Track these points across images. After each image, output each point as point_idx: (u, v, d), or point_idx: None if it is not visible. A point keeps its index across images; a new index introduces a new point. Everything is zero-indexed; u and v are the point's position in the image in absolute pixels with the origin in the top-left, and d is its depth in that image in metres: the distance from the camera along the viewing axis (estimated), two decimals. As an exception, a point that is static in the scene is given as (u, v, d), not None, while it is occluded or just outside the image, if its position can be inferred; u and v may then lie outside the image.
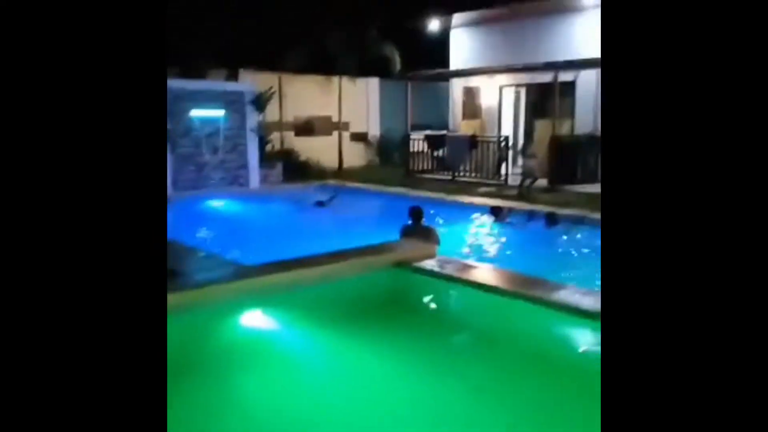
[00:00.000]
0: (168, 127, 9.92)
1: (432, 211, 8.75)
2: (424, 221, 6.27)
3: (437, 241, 5.61)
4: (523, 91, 13.76)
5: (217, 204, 9.89)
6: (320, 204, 9.47)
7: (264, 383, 3.26)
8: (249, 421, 2.84)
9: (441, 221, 8.11)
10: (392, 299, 4.43)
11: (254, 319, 3.92)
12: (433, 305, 4.54)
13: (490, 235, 7.68)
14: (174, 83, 9.99)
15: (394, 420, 2.87)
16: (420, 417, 2.90)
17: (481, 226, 8.10)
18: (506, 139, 11.98)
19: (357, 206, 9.66)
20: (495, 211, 8.27)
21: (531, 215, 8.21)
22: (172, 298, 3.54)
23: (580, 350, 3.47)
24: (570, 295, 3.72)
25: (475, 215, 8.53)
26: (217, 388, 3.12)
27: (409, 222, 6.22)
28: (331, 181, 11.98)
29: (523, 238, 7.63)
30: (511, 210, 8.39)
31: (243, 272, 4.24)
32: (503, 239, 7.41)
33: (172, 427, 2.60)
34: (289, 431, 2.74)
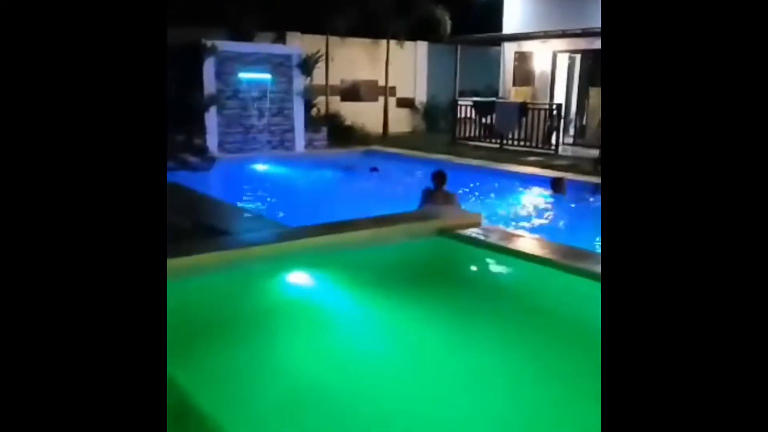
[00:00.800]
0: (215, 88, 10.02)
1: (476, 183, 8.60)
2: (447, 186, 6.18)
3: (457, 207, 5.68)
4: (578, 58, 13.19)
5: (264, 167, 9.98)
6: (374, 170, 9.40)
7: (302, 345, 3.28)
8: (288, 381, 2.87)
9: (492, 194, 7.93)
10: (435, 266, 4.37)
11: (296, 280, 3.95)
12: (475, 274, 4.46)
13: (543, 207, 7.41)
14: (222, 45, 10.03)
15: (429, 386, 2.85)
16: (457, 385, 2.86)
17: (536, 197, 7.82)
18: (558, 107, 11.56)
19: (407, 173, 9.52)
20: (555, 184, 7.59)
21: (595, 189, 7.35)
22: (215, 257, 3.60)
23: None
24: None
25: (527, 186, 8.26)
26: (257, 348, 3.16)
27: (432, 186, 6.17)
28: (376, 147, 11.89)
29: (580, 211, 7.32)
30: (567, 182, 7.70)
31: (287, 234, 4.26)
32: (557, 212, 7.18)
33: (212, 385, 2.66)
34: (327, 392, 2.75)
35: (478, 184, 8.52)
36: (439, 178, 6.22)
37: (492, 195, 7.87)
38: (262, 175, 9.64)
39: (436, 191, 6.14)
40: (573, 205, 7.35)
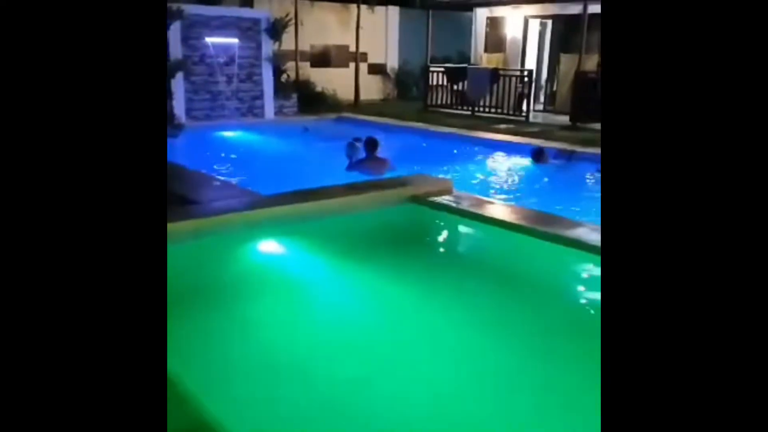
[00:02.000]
0: (182, 53, 9.72)
1: (456, 151, 8.60)
2: (379, 152, 6.50)
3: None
4: (549, 23, 13.17)
5: (233, 134, 9.79)
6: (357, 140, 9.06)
7: (275, 312, 3.30)
8: (260, 349, 2.89)
9: (469, 163, 7.93)
10: (407, 233, 4.41)
11: (268, 248, 3.93)
12: (447, 240, 4.52)
13: (521, 176, 7.44)
14: (188, 9, 9.69)
15: (402, 352, 2.91)
16: (428, 349, 2.93)
17: (514, 165, 7.85)
18: (530, 73, 11.57)
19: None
20: (537, 155, 7.53)
21: (570, 155, 7.58)
22: (187, 225, 3.55)
23: (592, 286, 3.45)
24: (587, 233, 3.65)
25: (502, 154, 8.28)
26: (229, 317, 3.16)
27: (364, 153, 6.50)
28: (347, 114, 11.77)
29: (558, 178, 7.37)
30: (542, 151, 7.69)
31: (258, 202, 4.22)
32: (535, 181, 7.26)
33: (183, 352, 2.66)
34: (300, 360, 2.78)
35: (455, 152, 8.54)
36: (371, 144, 6.51)
37: (469, 164, 7.90)
38: (231, 142, 9.47)
39: (369, 157, 6.43)
40: (544, 176, 7.45)
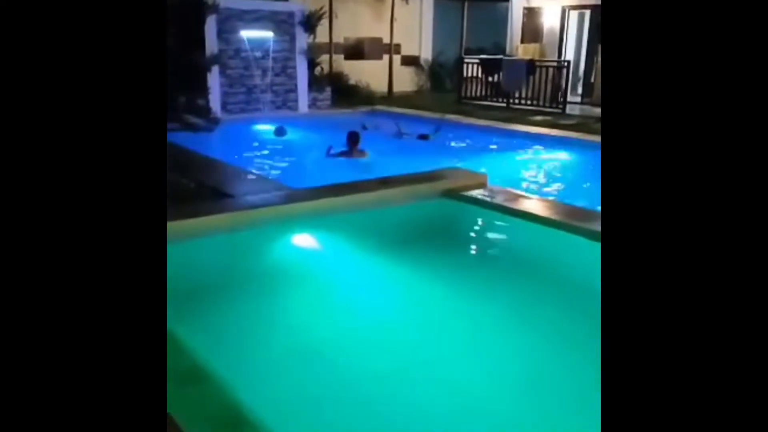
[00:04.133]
0: (217, 47, 9.84)
1: (490, 142, 8.47)
2: (360, 146, 6.90)
3: None
4: (587, 14, 12.84)
5: (268, 128, 9.87)
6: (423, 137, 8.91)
7: (309, 306, 3.32)
8: (294, 341, 2.91)
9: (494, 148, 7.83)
10: (440, 227, 4.37)
11: (302, 242, 3.96)
12: (480, 235, 4.46)
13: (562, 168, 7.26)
14: (223, 3, 9.80)
15: (435, 347, 2.89)
16: (460, 344, 2.90)
17: (551, 160, 7.69)
18: (567, 64, 11.32)
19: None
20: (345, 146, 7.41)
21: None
22: (221, 219, 3.61)
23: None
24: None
25: (538, 147, 8.10)
26: (264, 310, 3.20)
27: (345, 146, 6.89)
28: (380, 107, 11.74)
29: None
30: None
31: (293, 196, 4.25)
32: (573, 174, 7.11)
33: (215, 345, 2.70)
34: (330, 350, 2.80)
35: (491, 145, 8.42)
36: (352, 138, 6.91)
37: (503, 157, 7.79)
38: (266, 135, 9.56)
39: (350, 151, 6.87)
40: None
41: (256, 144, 8.52)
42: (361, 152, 6.94)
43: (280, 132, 8.78)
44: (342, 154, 6.91)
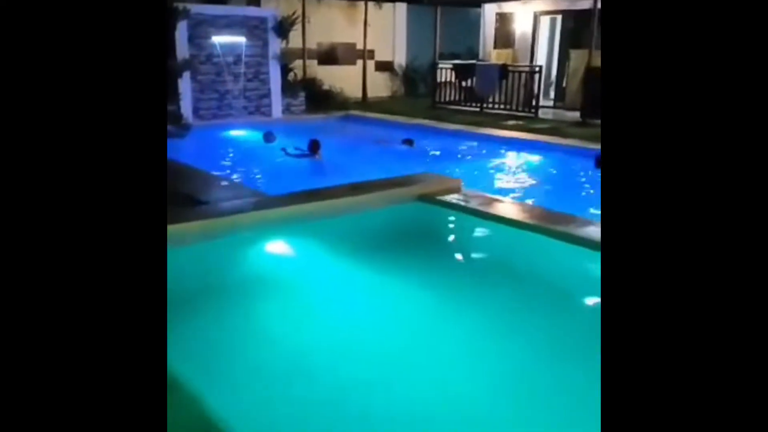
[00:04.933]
0: (188, 53, 9.71)
1: (465, 147, 8.51)
2: (320, 153, 7.44)
3: None
4: (559, 19, 13.04)
5: (241, 133, 9.78)
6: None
7: (284, 312, 3.27)
8: (269, 349, 2.86)
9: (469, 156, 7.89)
10: (415, 232, 4.37)
11: (277, 249, 3.91)
12: (456, 239, 4.47)
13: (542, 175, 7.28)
14: (195, 8, 9.68)
15: (411, 350, 2.87)
16: (435, 348, 2.89)
17: (523, 163, 7.74)
18: (539, 69, 11.47)
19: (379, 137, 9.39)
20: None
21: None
22: (195, 226, 3.54)
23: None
24: (598, 231, 3.59)
25: (516, 151, 8.14)
26: (237, 317, 3.14)
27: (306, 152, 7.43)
28: (354, 112, 11.73)
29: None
30: None
31: (266, 202, 4.20)
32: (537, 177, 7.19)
33: (189, 353, 2.64)
34: (308, 359, 2.76)
35: (465, 150, 8.46)
36: (313, 145, 7.45)
37: (477, 161, 7.84)
38: (239, 141, 9.46)
39: (309, 154, 7.41)
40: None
41: (230, 150, 8.43)
42: (319, 155, 7.60)
43: (268, 137, 8.60)
44: (302, 155, 7.52)
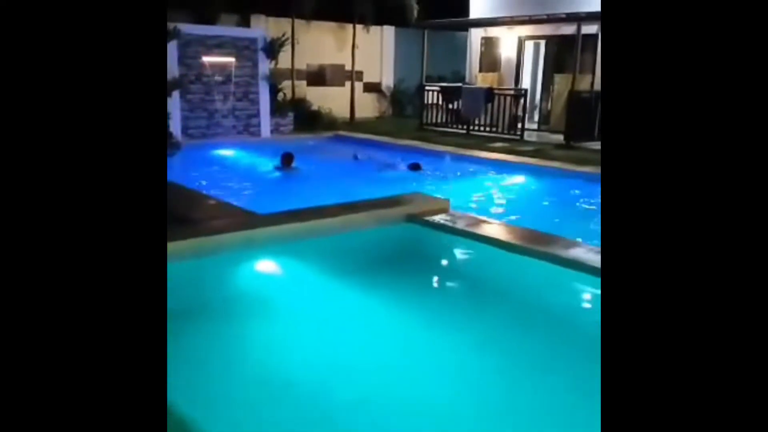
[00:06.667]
0: (178, 73, 9.77)
1: (453, 167, 8.61)
2: (294, 165, 7.87)
3: None
4: (543, 44, 13.32)
5: (230, 153, 9.81)
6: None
7: (272, 331, 3.28)
8: (257, 368, 2.86)
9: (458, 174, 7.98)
10: (403, 252, 4.41)
11: (266, 268, 3.92)
12: (443, 259, 4.52)
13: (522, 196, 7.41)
14: (185, 28, 9.77)
15: (399, 369, 2.89)
16: (423, 368, 2.91)
17: (509, 185, 7.85)
18: (525, 92, 11.68)
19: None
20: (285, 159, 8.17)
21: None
22: (183, 245, 3.55)
23: (589, 307, 3.45)
24: (584, 253, 3.67)
25: (495, 173, 8.29)
26: (225, 336, 3.14)
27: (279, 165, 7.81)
28: (342, 132, 11.82)
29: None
30: None
31: (256, 221, 4.22)
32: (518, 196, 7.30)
33: (181, 370, 2.63)
34: (296, 379, 2.76)
35: (453, 170, 8.56)
36: (287, 158, 7.81)
37: (463, 182, 7.93)
38: (228, 160, 9.48)
39: (283, 167, 7.80)
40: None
41: (216, 168, 8.45)
42: (294, 168, 8.01)
43: (287, 160, 8.09)
44: (277, 169, 8.03)
